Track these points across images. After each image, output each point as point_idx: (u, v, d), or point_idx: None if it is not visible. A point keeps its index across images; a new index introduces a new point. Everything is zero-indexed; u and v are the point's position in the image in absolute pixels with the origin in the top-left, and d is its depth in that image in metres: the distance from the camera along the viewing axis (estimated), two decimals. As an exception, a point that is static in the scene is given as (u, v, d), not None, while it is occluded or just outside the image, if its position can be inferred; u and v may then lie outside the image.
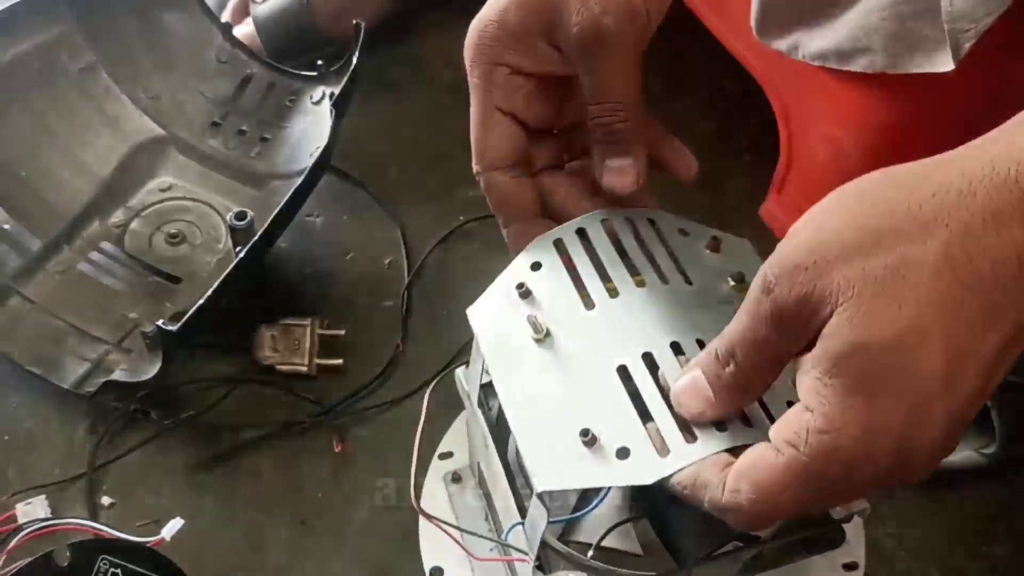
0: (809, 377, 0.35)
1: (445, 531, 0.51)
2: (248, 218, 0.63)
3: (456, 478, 0.59)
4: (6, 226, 0.71)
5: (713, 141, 0.84)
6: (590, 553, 0.47)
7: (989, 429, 0.64)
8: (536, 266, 0.48)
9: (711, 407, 0.39)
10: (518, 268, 0.48)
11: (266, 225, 0.59)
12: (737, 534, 0.50)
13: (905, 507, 0.65)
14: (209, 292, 0.57)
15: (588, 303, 0.46)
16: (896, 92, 0.64)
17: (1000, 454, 0.64)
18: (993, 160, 0.33)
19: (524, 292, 0.47)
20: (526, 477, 0.44)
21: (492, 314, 0.47)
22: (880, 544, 0.61)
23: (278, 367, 0.69)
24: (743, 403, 0.40)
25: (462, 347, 0.70)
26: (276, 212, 0.60)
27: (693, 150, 0.83)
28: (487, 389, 0.50)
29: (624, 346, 0.44)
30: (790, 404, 0.42)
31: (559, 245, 0.48)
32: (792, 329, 0.35)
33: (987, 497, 0.65)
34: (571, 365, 0.45)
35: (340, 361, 0.69)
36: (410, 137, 0.84)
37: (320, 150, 0.65)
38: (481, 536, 0.53)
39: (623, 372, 0.44)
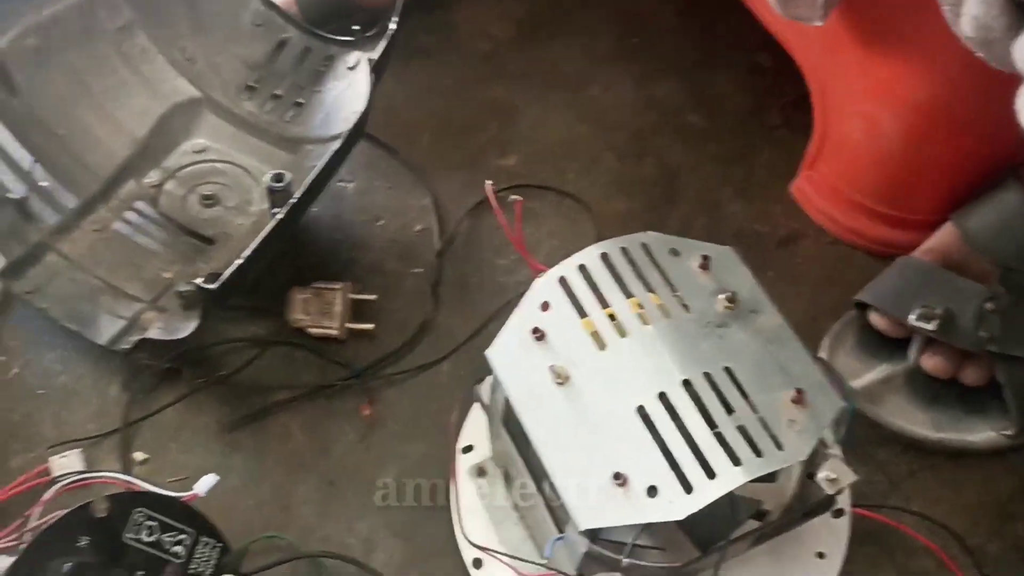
0: None
1: (496, 557, 0.56)
2: (286, 179, 0.63)
3: (481, 472, 0.62)
4: (43, 183, 0.71)
5: (746, 116, 0.84)
6: (625, 556, 0.50)
7: (1009, 410, 0.65)
8: (545, 306, 0.52)
9: None
10: (529, 310, 0.52)
11: (306, 186, 0.60)
12: (751, 514, 0.53)
13: (928, 485, 0.65)
14: (248, 251, 0.58)
15: (600, 344, 0.50)
16: (934, 69, 0.64)
17: (1020, 431, 0.65)
18: None
19: (539, 336, 0.51)
20: (565, 511, 0.48)
21: (511, 357, 0.51)
22: (903, 521, 0.61)
23: (309, 330, 0.69)
24: None
25: (491, 316, 0.71)
26: (315, 174, 0.60)
27: (726, 125, 0.84)
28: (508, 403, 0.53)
29: (639, 387, 0.49)
30: (791, 423, 0.47)
31: (564, 282, 0.52)
32: None
33: (1009, 477, 0.66)
34: (593, 408, 0.49)
35: (371, 326, 0.70)
36: (442, 105, 0.84)
37: (358, 114, 0.65)
38: (529, 561, 0.57)
39: (642, 412, 0.48)
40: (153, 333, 0.66)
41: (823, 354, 0.68)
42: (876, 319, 0.67)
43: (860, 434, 0.66)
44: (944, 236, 0.69)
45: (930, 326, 0.63)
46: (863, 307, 0.68)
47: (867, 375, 0.67)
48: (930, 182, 0.71)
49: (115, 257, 0.71)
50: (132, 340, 0.66)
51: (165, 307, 0.68)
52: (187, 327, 0.62)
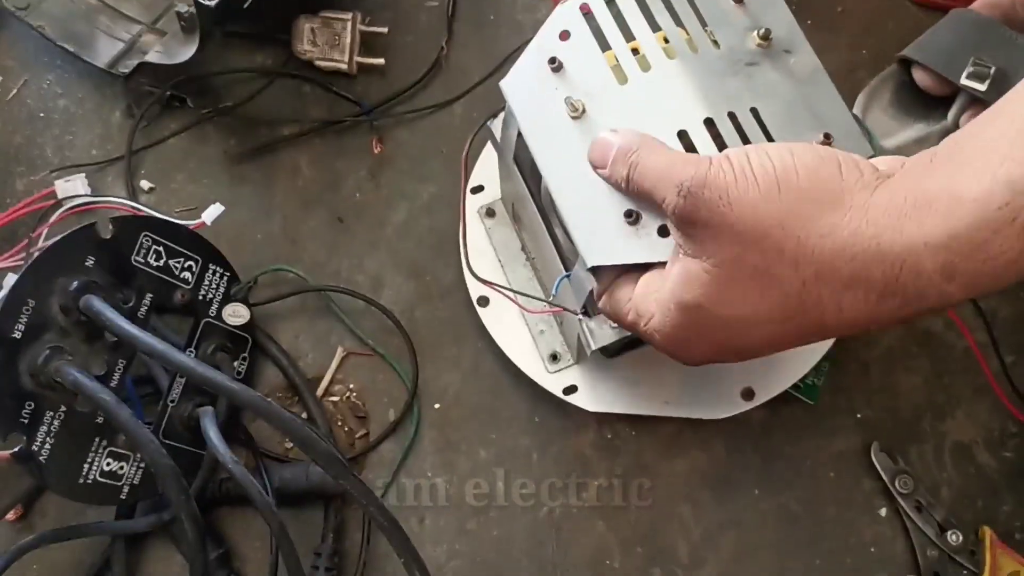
0: (656, 296, 0.44)
1: (502, 293, 0.55)
2: None
3: (490, 212, 0.61)
4: None
5: None
6: None
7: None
8: (564, 35, 0.48)
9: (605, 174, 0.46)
10: (547, 38, 0.48)
11: None
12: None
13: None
14: (247, -34, 0.54)
15: (621, 78, 0.47)
16: None
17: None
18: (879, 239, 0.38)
19: (556, 67, 0.47)
20: (573, 247, 0.46)
21: (526, 88, 0.48)
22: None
23: (317, 63, 0.66)
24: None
25: (507, 56, 0.67)
26: None
27: None
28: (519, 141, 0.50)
29: (659, 124, 0.46)
30: None
31: (586, 11, 0.48)
32: (683, 225, 0.42)
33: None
34: None
35: (381, 60, 0.66)
36: None
37: None
38: (534, 297, 0.57)
39: None
40: (153, 57, 0.63)
41: (857, 110, 0.65)
42: (921, 76, 0.63)
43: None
44: (1007, -14, 0.63)
45: (981, 86, 0.59)
46: (905, 63, 0.64)
47: (901, 134, 0.64)
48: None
49: (111, -25, 0.67)
50: (131, 64, 0.63)
51: (164, 30, 0.65)
52: (187, 51, 0.59)
